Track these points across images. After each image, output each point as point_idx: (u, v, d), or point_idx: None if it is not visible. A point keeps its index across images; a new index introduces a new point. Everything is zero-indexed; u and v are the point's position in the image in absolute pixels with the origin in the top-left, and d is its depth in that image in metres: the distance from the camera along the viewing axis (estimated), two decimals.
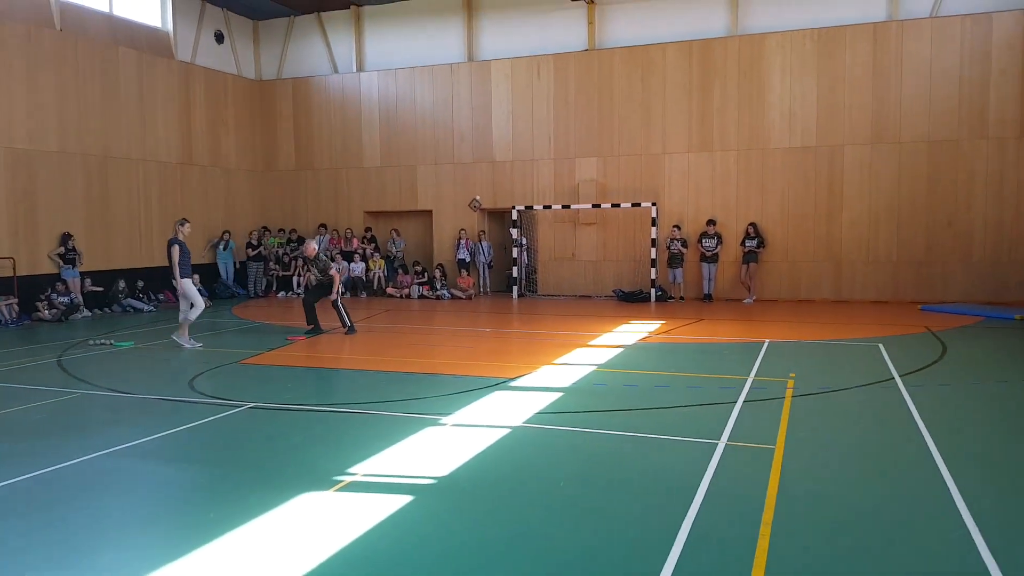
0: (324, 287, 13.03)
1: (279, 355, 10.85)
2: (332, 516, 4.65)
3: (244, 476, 5.52)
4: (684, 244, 17.54)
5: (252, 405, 7.58)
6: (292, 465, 5.72)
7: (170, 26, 19.05)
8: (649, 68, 18.06)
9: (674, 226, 17.71)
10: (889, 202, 16.56)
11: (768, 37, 17.14)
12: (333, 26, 21.13)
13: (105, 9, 17.54)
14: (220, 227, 20.03)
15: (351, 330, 12.67)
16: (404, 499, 4.90)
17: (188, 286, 11.31)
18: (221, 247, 19.67)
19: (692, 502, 4.80)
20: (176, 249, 11.14)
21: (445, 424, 6.77)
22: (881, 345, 10.81)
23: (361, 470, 5.50)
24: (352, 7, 20.58)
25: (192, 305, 11.36)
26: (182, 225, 11.50)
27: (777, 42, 17.08)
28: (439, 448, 6.06)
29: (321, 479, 5.30)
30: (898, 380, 8.46)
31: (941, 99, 16.10)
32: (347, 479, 5.30)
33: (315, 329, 12.76)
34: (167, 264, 11.27)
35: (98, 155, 16.92)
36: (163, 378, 9.23)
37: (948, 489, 4.99)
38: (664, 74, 17.94)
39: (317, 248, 13.33)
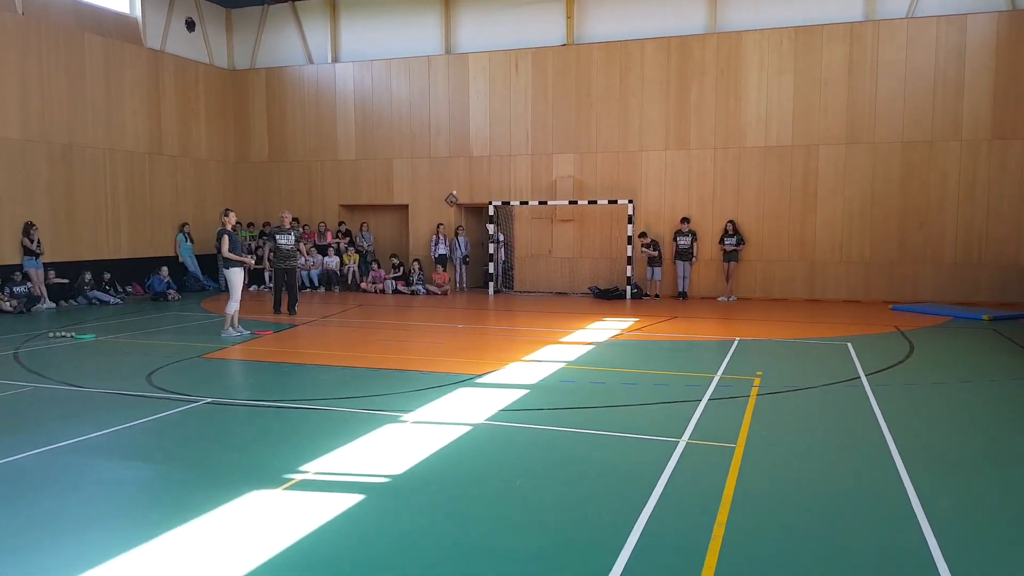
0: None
1: (244, 349, 10.67)
2: (277, 515, 4.52)
3: (192, 474, 5.38)
4: (655, 247, 17.49)
5: (209, 400, 7.42)
6: (243, 462, 5.58)
7: (139, 12, 18.69)
8: (627, 64, 18.00)
9: (640, 234, 17.67)
10: (862, 202, 16.63)
11: (746, 35, 17.13)
12: (308, 16, 20.87)
13: None
14: (190, 219, 19.73)
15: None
16: (355, 498, 4.79)
17: (234, 277, 11.49)
18: (183, 239, 19.36)
19: (648, 501, 4.73)
20: (226, 239, 11.44)
21: (406, 421, 6.66)
22: (850, 344, 10.83)
23: (313, 468, 5.37)
24: None
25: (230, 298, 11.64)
26: (227, 215, 11.83)
27: (755, 40, 17.07)
28: (397, 446, 5.94)
29: (271, 477, 5.17)
30: (864, 379, 8.46)
31: (915, 100, 16.17)
32: (298, 477, 5.18)
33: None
34: (214, 253, 11.64)
35: (62, 143, 16.57)
36: (121, 372, 9.03)
37: (905, 490, 4.96)
38: (642, 70, 17.88)
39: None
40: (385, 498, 4.85)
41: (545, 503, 4.80)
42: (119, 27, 18.22)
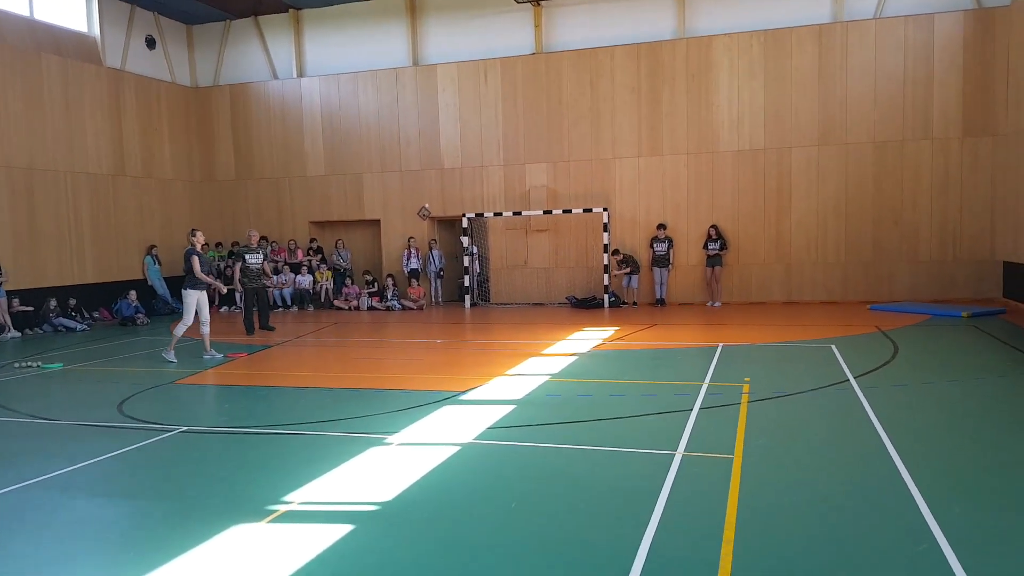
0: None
1: (217, 373, 10.31)
2: (263, 551, 4.25)
3: (169, 509, 5.06)
4: (629, 262, 17.39)
5: (184, 429, 7.09)
6: (222, 495, 5.28)
7: (97, 31, 18.21)
8: (597, 71, 17.93)
9: (614, 251, 17.56)
10: (836, 203, 16.68)
11: (715, 39, 17.15)
12: (271, 30, 20.54)
13: (25, 13, 16.67)
14: (157, 240, 19.24)
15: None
16: (343, 529, 4.52)
17: (188, 298, 11.14)
18: (151, 261, 18.87)
19: (650, 520, 4.53)
20: (196, 260, 11.13)
21: (390, 443, 6.39)
22: (834, 346, 10.76)
23: (298, 498, 5.09)
24: (291, 10, 20.04)
25: (183, 319, 11.29)
26: (194, 235, 11.50)
27: (724, 44, 17.09)
28: (383, 470, 5.68)
29: (253, 509, 4.88)
30: (852, 382, 8.36)
31: (885, 100, 16.28)
32: (282, 508, 4.89)
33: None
34: (182, 275, 11.51)
35: (22, 167, 16.03)
36: (91, 402, 8.64)
37: (912, 496, 4.82)
38: (612, 77, 17.82)
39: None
40: (376, 527, 4.59)
41: (543, 527, 4.57)
42: (77, 47, 17.75)
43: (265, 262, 14.53)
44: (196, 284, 11.22)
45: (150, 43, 19.84)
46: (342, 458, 5.94)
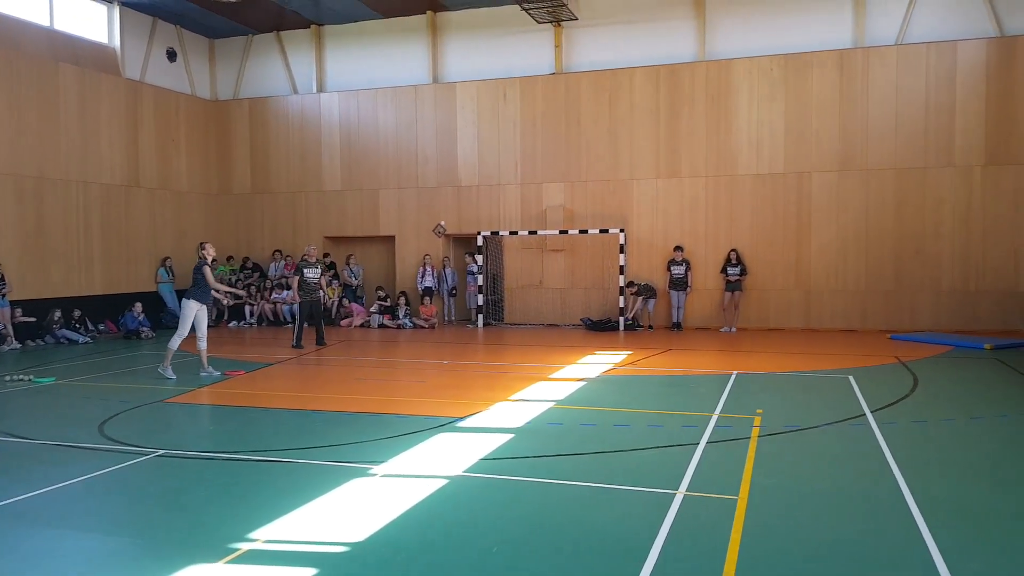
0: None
1: (212, 392, 10.07)
2: None
3: (122, 545, 4.73)
4: (644, 291, 17.03)
5: (162, 453, 6.81)
6: (186, 528, 4.97)
7: (117, 42, 18.29)
8: (616, 93, 17.70)
9: (629, 283, 17.21)
10: (857, 230, 16.25)
11: (735, 63, 16.86)
12: (293, 46, 20.55)
13: (45, 23, 16.76)
14: (171, 252, 19.16)
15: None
16: (304, 574, 4.20)
17: (187, 308, 10.98)
18: (164, 273, 18.78)
19: (642, 569, 4.18)
20: (208, 271, 11.04)
21: (375, 475, 6.07)
22: (851, 377, 10.33)
23: (264, 535, 4.77)
24: (313, 26, 20.04)
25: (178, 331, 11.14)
26: (204, 248, 11.38)
27: (744, 68, 16.81)
28: (362, 505, 5.36)
29: (214, 547, 4.57)
30: (869, 416, 7.94)
31: (907, 126, 15.89)
32: (244, 547, 4.57)
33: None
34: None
35: (33, 176, 16.01)
36: (73, 420, 8.37)
37: (927, 546, 4.44)
38: (631, 99, 17.58)
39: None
40: (340, 572, 4.26)
41: (525, 574, 4.23)
42: (96, 57, 17.82)
43: (323, 277, 14.96)
44: (199, 296, 11.02)
45: (171, 56, 19.91)
46: (320, 490, 5.63)
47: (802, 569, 4.27)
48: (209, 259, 11.24)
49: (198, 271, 11.09)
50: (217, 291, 11.19)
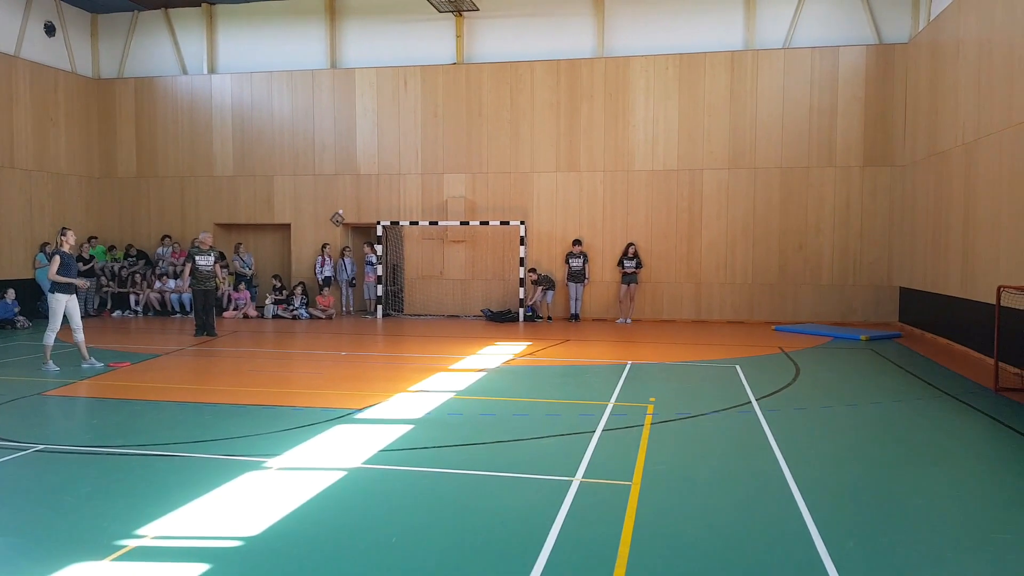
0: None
1: (93, 384, 9.56)
2: None
3: (5, 543, 4.49)
4: (544, 281, 17.31)
5: (42, 448, 6.44)
6: (69, 526, 4.74)
7: None
8: (518, 85, 17.81)
9: (530, 269, 17.46)
10: (745, 225, 16.99)
11: (633, 60, 17.27)
12: (183, 24, 19.65)
13: None
14: (49, 237, 18.00)
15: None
16: (195, 569, 4.08)
17: (55, 303, 10.26)
18: (43, 259, 17.63)
19: (539, 554, 4.28)
20: (56, 260, 10.20)
21: (270, 468, 5.94)
22: (738, 366, 10.83)
23: (153, 531, 4.60)
24: (204, 4, 19.21)
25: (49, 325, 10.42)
26: (64, 234, 10.54)
27: (641, 65, 17.23)
28: (256, 499, 5.24)
29: (100, 544, 4.37)
30: (755, 404, 8.36)
31: (792, 127, 16.71)
32: (132, 543, 4.40)
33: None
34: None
35: None
36: None
37: (806, 526, 4.74)
38: (532, 92, 17.73)
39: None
40: (234, 566, 4.16)
41: (424, 562, 4.25)
42: None
43: (216, 265, 14.52)
44: (64, 288, 10.33)
45: (49, 30, 18.66)
46: (212, 484, 5.46)
47: (692, 550, 4.47)
48: (66, 247, 10.48)
49: (48, 259, 10.41)
50: (57, 281, 10.26)
